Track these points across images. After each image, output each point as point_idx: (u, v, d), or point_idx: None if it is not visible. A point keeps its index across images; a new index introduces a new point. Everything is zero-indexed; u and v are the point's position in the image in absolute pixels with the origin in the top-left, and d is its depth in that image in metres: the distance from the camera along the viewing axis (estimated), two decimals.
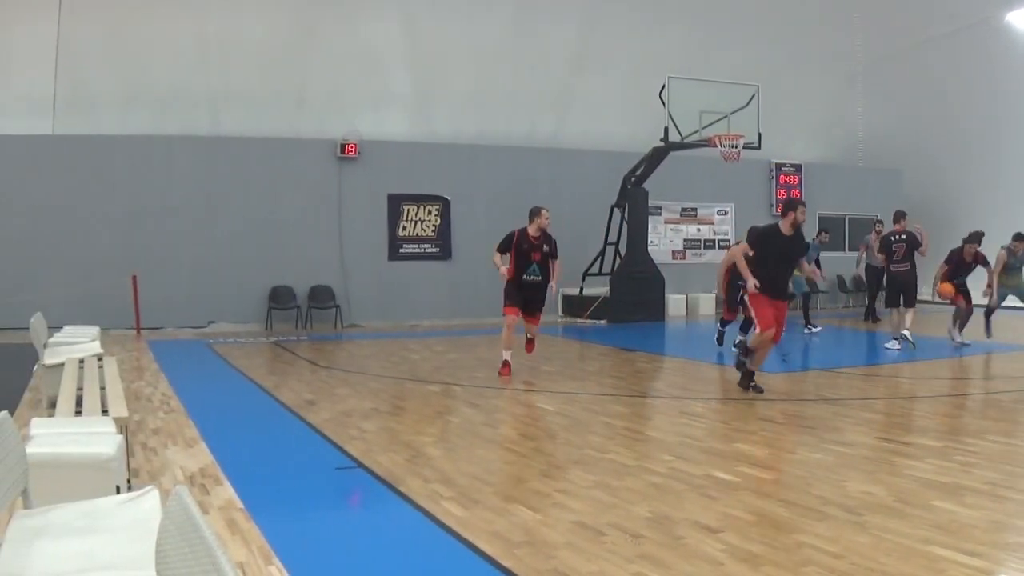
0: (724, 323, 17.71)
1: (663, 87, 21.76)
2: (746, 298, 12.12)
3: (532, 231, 13.75)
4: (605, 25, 25.09)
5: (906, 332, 16.53)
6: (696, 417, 10.58)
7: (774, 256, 11.57)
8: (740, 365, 12.34)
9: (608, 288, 23.58)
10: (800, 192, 28.31)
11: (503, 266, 13.73)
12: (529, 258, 13.71)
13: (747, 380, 12.10)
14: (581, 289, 24.04)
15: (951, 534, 5.98)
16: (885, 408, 11.31)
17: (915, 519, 6.34)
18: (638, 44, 25.27)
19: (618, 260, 23.96)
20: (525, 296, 13.86)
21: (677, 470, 7.88)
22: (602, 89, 25.47)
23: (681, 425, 10.14)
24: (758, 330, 11.52)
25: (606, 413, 10.90)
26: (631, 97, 24.60)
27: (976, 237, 16.91)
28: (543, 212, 13.82)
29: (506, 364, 13.87)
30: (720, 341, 17.41)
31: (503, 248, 13.82)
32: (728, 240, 27.34)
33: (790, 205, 11.77)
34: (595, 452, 8.61)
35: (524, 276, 13.72)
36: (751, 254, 11.72)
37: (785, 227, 11.63)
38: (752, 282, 11.42)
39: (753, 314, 11.71)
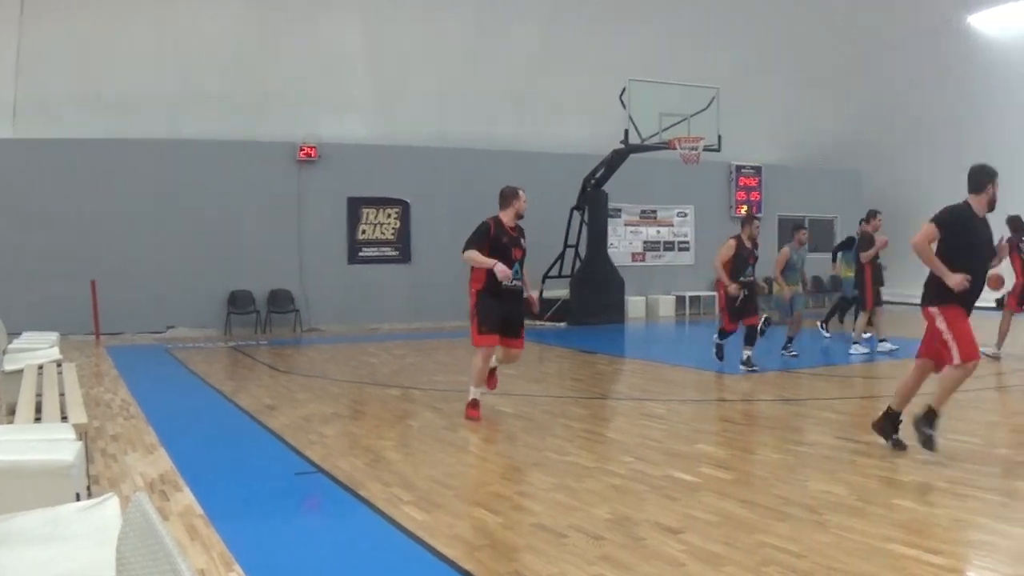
0: (723, 335, 14.84)
1: (623, 90, 21.82)
2: (937, 315, 8.23)
3: (508, 220, 10.54)
4: (566, 28, 25.10)
5: (853, 336, 16.60)
6: (656, 418, 10.60)
7: (966, 245, 8.25)
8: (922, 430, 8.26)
9: (568, 290, 23.58)
10: (759, 194, 28.43)
11: (496, 265, 10.15)
12: (509, 256, 10.29)
13: (891, 424, 8.65)
14: (541, 291, 24.03)
15: (913, 532, 6.04)
16: (845, 408, 11.36)
17: (877, 518, 6.38)
18: (599, 47, 25.27)
19: (578, 262, 23.98)
20: (505, 310, 10.40)
21: (637, 471, 7.90)
22: (563, 92, 25.44)
23: (641, 426, 10.16)
24: (957, 359, 8.07)
25: (566, 415, 10.91)
26: (592, 99, 24.60)
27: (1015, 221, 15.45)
28: (520, 194, 10.65)
29: (476, 403, 10.64)
30: (720, 355, 14.83)
31: (479, 243, 10.32)
32: (688, 242, 27.44)
33: (987, 173, 8.46)
34: (555, 454, 8.61)
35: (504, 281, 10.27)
36: (937, 240, 8.18)
37: (980, 206, 8.43)
38: (958, 280, 8.03)
39: (949, 337, 8.13)
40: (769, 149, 29.76)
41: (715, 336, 15.02)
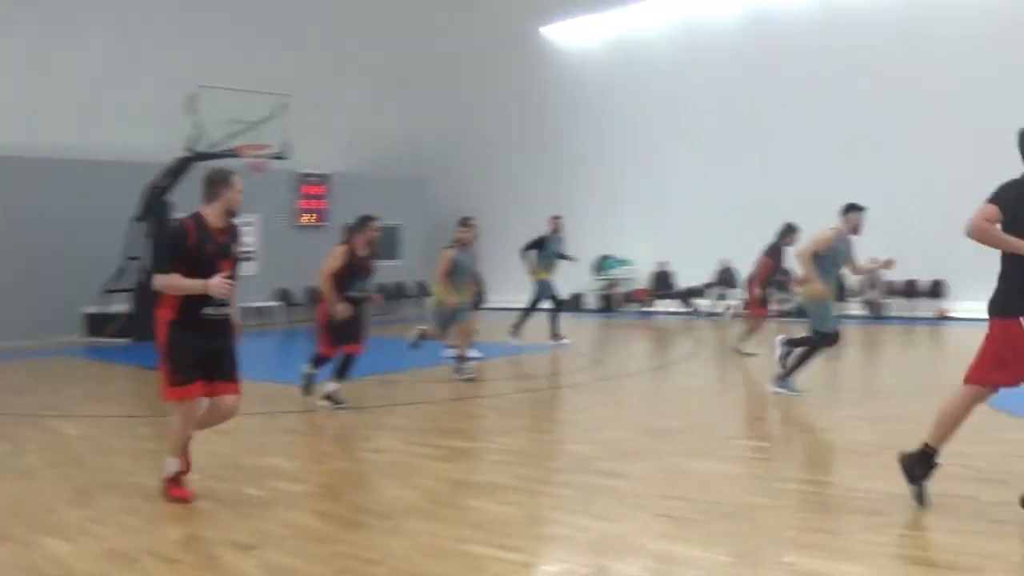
0: (318, 362, 12.31)
1: (189, 96, 21.32)
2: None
3: (215, 219, 7.39)
4: (137, 33, 24.24)
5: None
6: (223, 433, 10.32)
7: None
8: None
9: (131, 304, 22.71)
10: (326, 203, 28.48)
11: (209, 284, 7.16)
12: (215, 270, 7.24)
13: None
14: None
15: (487, 531, 6.24)
16: (412, 413, 11.59)
17: (450, 519, 6.56)
18: (172, 51, 24.62)
19: (144, 275, 23.19)
20: (211, 347, 7.49)
21: (207, 488, 7.72)
22: (132, 99, 24.46)
23: (208, 442, 9.90)
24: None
25: (132, 435, 10.56)
26: (164, 107, 23.79)
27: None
28: (233, 180, 7.43)
29: (179, 477, 7.55)
30: (309, 390, 12.31)
31: (174, 259, 7.35)
32: (253, 252, 27.14)
33: None
34: (123, 476, 8.32)
35: (206, 308, 7.38)
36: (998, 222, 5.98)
37: None
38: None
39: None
40: (339, 157, 29.91)
41: (306, 365, 12.47)
